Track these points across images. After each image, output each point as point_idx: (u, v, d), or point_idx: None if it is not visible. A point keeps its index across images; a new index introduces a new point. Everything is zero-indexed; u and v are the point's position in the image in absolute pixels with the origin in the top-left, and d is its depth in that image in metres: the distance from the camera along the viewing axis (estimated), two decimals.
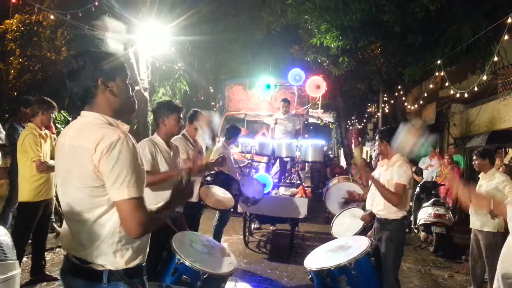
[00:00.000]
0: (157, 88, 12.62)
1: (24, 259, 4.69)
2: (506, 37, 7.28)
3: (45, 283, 4.37)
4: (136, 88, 10.32)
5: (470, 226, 5.07)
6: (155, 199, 3.22)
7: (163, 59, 11.55)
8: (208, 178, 4.39)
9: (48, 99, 4.38)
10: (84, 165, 1.57)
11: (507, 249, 2.40)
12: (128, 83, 1.78)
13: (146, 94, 10.61)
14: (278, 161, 7.43)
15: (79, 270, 1.66)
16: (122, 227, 1.61)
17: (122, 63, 1.78)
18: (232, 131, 5.83)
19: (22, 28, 13.58)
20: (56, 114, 6.12)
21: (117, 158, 1.54)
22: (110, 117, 1.69)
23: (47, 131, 4.41)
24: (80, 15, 9.93)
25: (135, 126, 11.09)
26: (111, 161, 1.54)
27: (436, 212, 7.09)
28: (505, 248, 2.49)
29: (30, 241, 4.45)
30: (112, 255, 1.65)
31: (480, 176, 5.11)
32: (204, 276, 2.82)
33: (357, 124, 22.76)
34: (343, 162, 18.92)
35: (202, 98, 17.87)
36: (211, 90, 17.11)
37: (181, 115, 3.51)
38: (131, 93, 1.79)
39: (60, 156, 1.73)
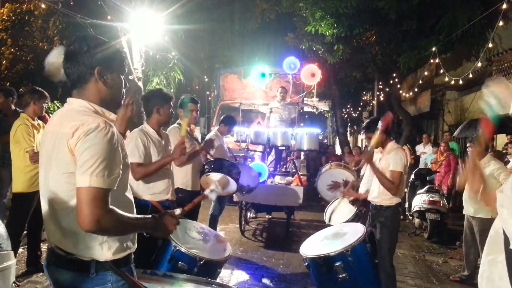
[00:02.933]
0: (151, 77, 12.53)
1: (20, 250, 4.69)
2: (500, 23, 7.29)
3: (41, 273, 4.37)
4: (130, 77, 10.23)
5: (464, 212, 5.12)
6: (148, 190, 3.25)
7: (156, 48, 11.43)
8: (206, 167, 4.37)
9: (40, 88, 4.34)
10: (62, 150, 1.54)
11: (494, 233, 2.42)
12: (123, 79, 1.76)
13: (140, 83, 10.51)
14: (273, 150, 7.43)
15: (64, 261, 1.61)
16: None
17: (123, 57, 1.77)
18: (227, 121, 5.78)
19: (13, 18, 13.36)
20: (49, 104, 6.07)
21: (90, 145, 1.49)
22: (97, 105, 1.66)
23: (40, 121, 4.37)
24: (72, 3, 9.78)
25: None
26: (83, 145, 1.49)
27: (431, 199, 7.16)
28: (492, 232, 2.51)
29: (25, 231, 4.44)
30: (98, 248, 1.60)
31: None
32: (201, 262, 2.84)
33: (352, 112, 22.80)
34: (338, 151, 18.97)
35: (197, 87, 17.78)
36: (206, 79, 17.00)
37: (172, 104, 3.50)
38: (123, 90, 1.77)
39: (43, 143, 1.70)
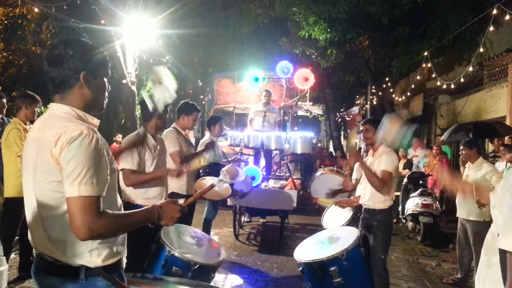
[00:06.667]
0: (144, 81, 12.51)
1: (12, 255, 4.64)
2: (491, 28, 7.38)
3: (33, 279, 4.33)
4: (123, 81, 10.22)
5: (457, 215, 5.14)
6: (142, 195, 3.24)
7: (150, 52, 11.43)
8: (201, 170, 4.37)
9: (31, 93, 4.32)
10: (46, 159, 1.51)
11: (490, 236, 2.43)
12: (106, 82, 1.74)
13: (134, 87, 10.50)
14: (264, 154, 7.43)
15: (53, 267, 1.59)
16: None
17: (107, 60, 1.73)
18: (213, 121, 5.75)
19: (5, 22, 13.28)
20: (41, 108, 6.00)
21: (74, 153, 1.46)
22: (80, 110, 1.63)
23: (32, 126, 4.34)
24: (65, 7, 9.76)
25: (123, 120, 10.99)
26: (68, 154, 1.47)
27: (424, 202, 7.19)
28: (488, 235, 2.53)
29: (17, 237, 4.40)
30: (88, 254, 1.58)
31: (466, 166, 5.18)
32: (195, 267, 2.83)
33: (345, 116, 22.90)
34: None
35: (191, 91, 17.75)
36: (200, 84, 17.02)
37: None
38: (106, 93, 1.75)
39: (26, 148, 1.66)
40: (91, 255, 1.58)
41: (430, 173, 8.54)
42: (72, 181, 1.46)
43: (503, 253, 1.69)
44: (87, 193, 1.46)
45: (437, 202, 7.43)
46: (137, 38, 10.04)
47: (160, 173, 3.30)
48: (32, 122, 4.43)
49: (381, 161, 3.74)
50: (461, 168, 5.39)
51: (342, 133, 23.54)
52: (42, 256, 1.62)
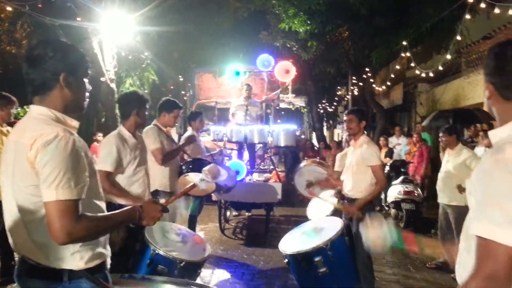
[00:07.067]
0: (124, 78, 12.34)
1: None
2: (468, 16, 7.50)
3: (15, 284, 4.26)
4: (102, 79, 10.06)
5: (438, 201, 5.25)
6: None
7: (129, 49, 11.27)
8: (184, 167, 4.34)
9: (7, 94, 4.21)
10: (22, 163, 1.49)
11: (469, 221, 2.48)
12: (87, 82, 1.71)
13: (113, 85, 10.35)
14: (247, 148, 7.43)
15: (36, 270, 1.57)
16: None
17: (87, 61, 1.71)
18: (191, 116, 5.75)
19: None
20: (19, 109, 5.88)
21: (51, 157, 1.44)
22: (59, 112, 1.60)
23: (8, 127, 4.25)
24: (40, 5, 9.52)
25: (103, 119, 10.84)
26: (43, 158, 1.44)
27: (406, 189, 7.31)
28: (467, 220, 2.57)
29: None
30: (70, 258, 1.56)
31: (446, 152, 5.27)
32: (181, 264, 2.82)
33: (328, 107, 23.05)
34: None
35: (172, 87, 17.60)
36: (181, 79, 16.86)
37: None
38: (87, 93, 1.72)
39: (6, 151, 1.63)
40: (73, 258, 1.57)
41: (411, 161, 8.69)
42: (48, 185, 1.44)
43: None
44: (65, 197, 1.44)
45: (419, 189, 7.57)
46: (115, 35, 9.87)
47: (130, 200, 3.19)
48: (9, 123, 4.33)
49: (364, 154, 3.79)
50: (441, 154, 5.50)
51: (325, 124, 23.71)
52: (25, 260, 1.60)
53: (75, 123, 1.65)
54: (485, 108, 1.45)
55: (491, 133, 1.34)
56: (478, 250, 1.18)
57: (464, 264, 1.35)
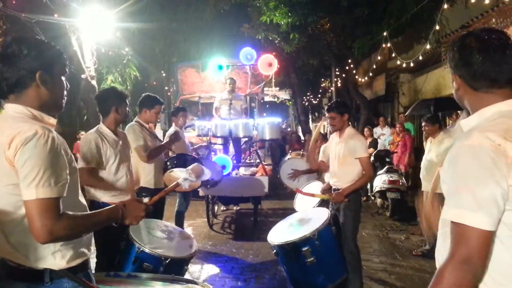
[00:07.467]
0: (105, 75, 12.13)
1: None
2: (446, 6, 7.58)
3: None
4: (83, 76, 9.88)
5: (422, 189, 5.32)
6: (107, 192, 3.14)
7: (109, 45, 11.05)
8: (168, 163, 4.30)
9: None
10: (1, 161, 1.45)
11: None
12: (64, 80, 1.67)
13: (94, 82, 10.15)
14: (231, 142, 7.42)
15: (17, 272, 1.54)
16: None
17: (64, 58, 1.66)
18: (173, 112, 5.71)
19: None
20: None
21: (30, 155, 1.41)
22: (36, 110, 1.56)
23: None
24: (14, 1, 9.27)
25: (85, 117, 10.66)
26: (22, 156, 1.41)
27: (390, 179, 7.40)
28: (445, 208, 2.59)
29: None
30: (51, 257, 1.54)
31: (428, 141, 5.34)
32: (166, 261, 2.80)
33: (312, 99, 23.14)
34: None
35: (155, 83, 17.39)
36: (163, 74, 16.67)
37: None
38: (65, 92, 1.68)
39: None
40: (54, 257, 1.55)
41: (395, 150, 8.78)
42: (28, 184, 1.41)
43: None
44: (45, 195, 1.41)
45: (403, 178, 7.68)
46: (94, 30, 9.67)
47: (117, 193, 3.16)
48: None
49: (351, 146, 3.81)
50: (424, 143, 5.57)
51: (310, 116, 23.79)
52: (5, 262, 1.57)
53: (52, 121, 1.62)
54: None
55: (462, 123, 1.38)
56: (452, 235, 1.20)
57: (442, 251, 1.37)
